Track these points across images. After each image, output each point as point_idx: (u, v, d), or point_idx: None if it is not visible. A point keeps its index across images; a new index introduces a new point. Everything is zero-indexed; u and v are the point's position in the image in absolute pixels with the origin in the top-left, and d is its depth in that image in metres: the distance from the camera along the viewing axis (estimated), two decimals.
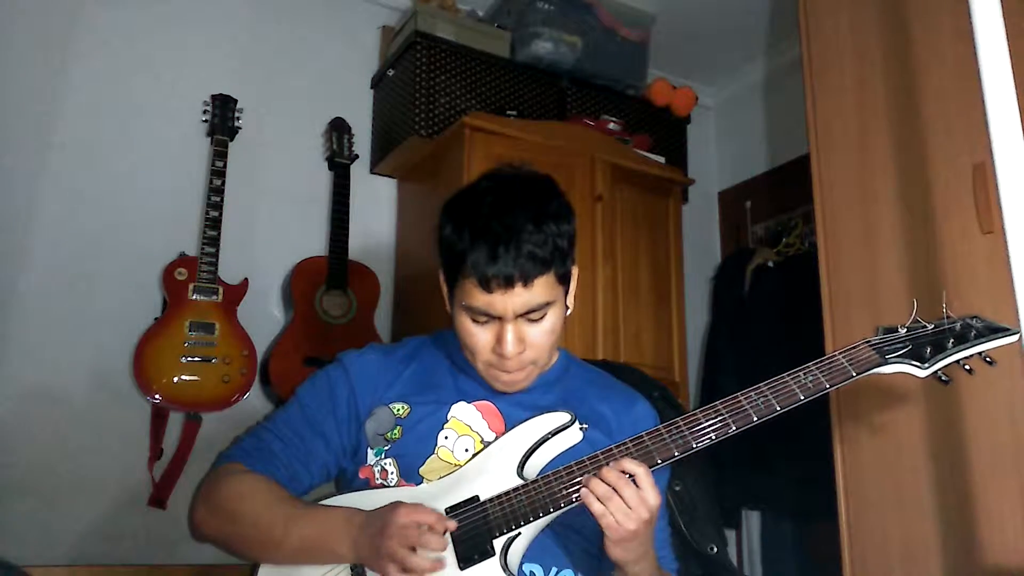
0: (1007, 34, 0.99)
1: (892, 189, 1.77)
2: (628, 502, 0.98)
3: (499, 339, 1.09)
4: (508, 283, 1.04)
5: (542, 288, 1.07)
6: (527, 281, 1.05)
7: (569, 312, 1.18)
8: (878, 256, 1.77)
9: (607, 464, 1.02)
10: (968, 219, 1.59)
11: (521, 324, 1.09)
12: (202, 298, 2.15)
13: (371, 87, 2.70)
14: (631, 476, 1.00)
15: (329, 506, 1.11)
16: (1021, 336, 1.00)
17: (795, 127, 2.42)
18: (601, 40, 2.74)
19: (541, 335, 1.11)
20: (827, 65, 1.96)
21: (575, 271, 1.17)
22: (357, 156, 2.52)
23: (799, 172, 2.29)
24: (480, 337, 1.11)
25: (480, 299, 1.07)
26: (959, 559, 1.53)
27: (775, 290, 2.75)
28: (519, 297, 1.06)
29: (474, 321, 1.10)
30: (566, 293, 1.15)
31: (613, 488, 0.99)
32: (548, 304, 1.09)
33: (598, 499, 0.99)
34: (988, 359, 1.05)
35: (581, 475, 1.03)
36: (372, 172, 2.64)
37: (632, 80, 2.83)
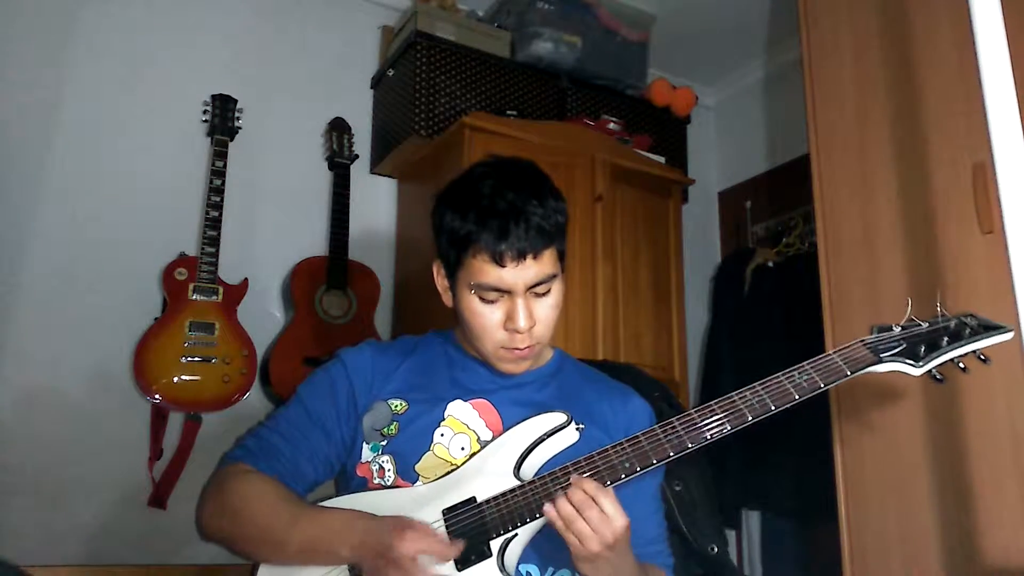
0: (1007, 34, 0.99)
1: (892, 189, 1.77)
2: (591, 523, 0.99)
3: (510, 315, 1.11)
4: (520, 256, 1.08)
5: (548, 261, 1.12)
6: (537, 254, 1.09)
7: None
8: (878, 256, 1.77)
9: (588, 473, 1.03)
10: (968, 219, 1.59)
11: (530, 299, 1.12)
12: (202, 298, 2.15)
13: (371, 87, 2.70)
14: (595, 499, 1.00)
15: (334, 508, 1.11)
16: (1022, 335, 1.00)
17: (795, 127, 2.43)
18: (601, 40, 2.74)
19: (547, 310, 1.14)
20: (827, 65, 1.96)
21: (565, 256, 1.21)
22: (357, 156, 2.52)
23: (799, 172, 2.30)
24: (490, 317, 1.12)
25: (492, 275, 1.09)
26: (959, 558, 1.53)
27: (775, 290, 2.75)
28: (530, 270, 1.09)
29: (483, 300, 1.12)
30: (562, 271, 1.18)
31: (577, 509, 0.99)
32: (553, 277, 1.13)
33: (561, 519, 1.00)
34: (982, 357, 1.05)
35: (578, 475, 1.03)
36: (372, 172, 2.64)
37: (632, 80, 2.83)
